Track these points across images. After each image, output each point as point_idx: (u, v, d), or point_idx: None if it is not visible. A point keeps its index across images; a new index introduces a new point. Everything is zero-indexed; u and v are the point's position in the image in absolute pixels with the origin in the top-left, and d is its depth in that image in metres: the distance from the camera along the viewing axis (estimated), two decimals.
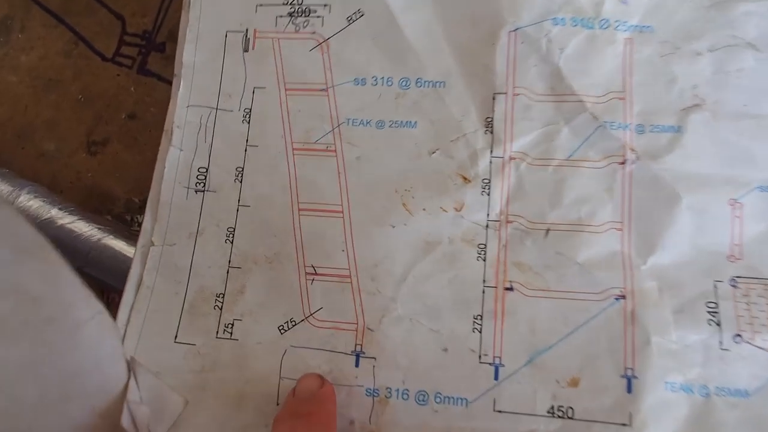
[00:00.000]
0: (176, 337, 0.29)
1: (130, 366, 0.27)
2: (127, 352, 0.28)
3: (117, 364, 0.26)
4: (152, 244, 0.30)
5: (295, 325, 0.28)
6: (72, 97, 0.38)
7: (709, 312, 0.26)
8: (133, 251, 0.31)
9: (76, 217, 0.33)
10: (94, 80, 0.38)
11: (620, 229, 0.28)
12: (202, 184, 0.31)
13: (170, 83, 0.33)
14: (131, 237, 0.32)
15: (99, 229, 0.33)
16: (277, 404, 0.27)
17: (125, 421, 0.26)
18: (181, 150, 0.32)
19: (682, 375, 0.26)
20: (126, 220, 0.36)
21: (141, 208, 0.31)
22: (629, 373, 0.26)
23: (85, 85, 0.38)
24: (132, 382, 0.26)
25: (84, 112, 0.37)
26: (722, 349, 0.26)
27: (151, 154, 0.32)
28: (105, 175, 0.37)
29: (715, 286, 0.27)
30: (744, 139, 0.28)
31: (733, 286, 0.27)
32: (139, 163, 0.36)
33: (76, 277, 0.25)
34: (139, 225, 0.31)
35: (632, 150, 0.28)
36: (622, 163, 0.28)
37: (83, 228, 0.33)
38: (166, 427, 0.27)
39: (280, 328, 0.29)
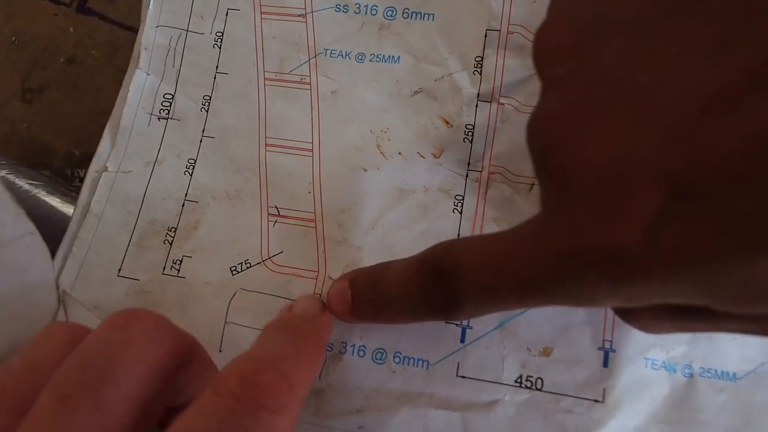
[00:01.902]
0: (120, 270, 0.27)
1: (61, 297, 0.25)
2: (66, 283, 0.26)
3: (45, 291, 0.24)
4: (106, 170, 0.28)
5: (250, 267, 0.26)
6: (4, 40, 0.34)
7: None
8: (72, 210, 0.28)
9: (4, 171, 0.29)
10: (28, 20, 0.34)
11: None
12: (166, 111, 0.29)
13: (114, 23, 0.29)
14: (69, 194, 0.29)
15: (31, 184, 0.29)
16: (220, 351, 0.25)
17: None
18: (148, 74, 0.29)
19: (665, 351, 0.24)
20: (66, 175, 0.32)
21: (82, 162, 0.28)
22: (607, 345, 0.24)
23: (19, 26, 0.34)
24: (61, 311, 0.24)
25: (18, 56, 0.33)
26: None
27: (92, 102, 0.29)
28: (42, 125, 0.33)
29: None
30: None
31: None
32: (79, 112, 0.32)
33: (6, 192, 0.23)
34: (81, 180, 0.28)
35: None
36: None
37: (11, 183, 0.29)
38: None
39: (233, 269, 0.26)
